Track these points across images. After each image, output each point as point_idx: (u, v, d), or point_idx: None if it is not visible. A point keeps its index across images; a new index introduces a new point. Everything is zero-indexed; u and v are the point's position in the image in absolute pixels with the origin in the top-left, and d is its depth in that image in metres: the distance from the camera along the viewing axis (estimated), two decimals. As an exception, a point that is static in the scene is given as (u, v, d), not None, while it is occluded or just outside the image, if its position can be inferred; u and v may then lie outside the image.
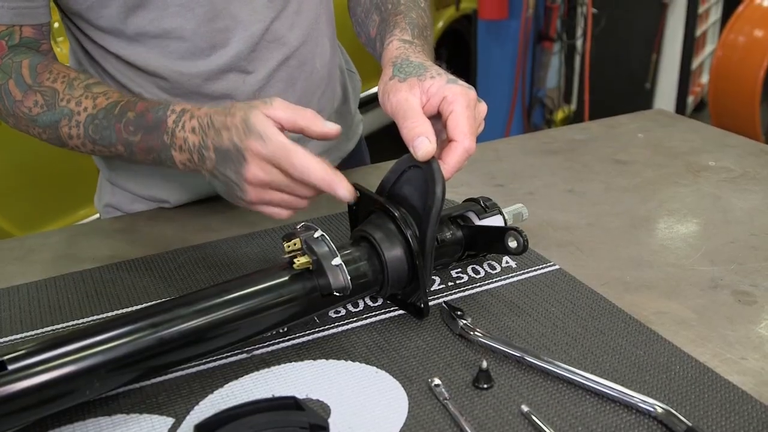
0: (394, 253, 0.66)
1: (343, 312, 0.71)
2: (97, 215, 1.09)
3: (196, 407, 0.58)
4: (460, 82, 0.69)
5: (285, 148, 0.64)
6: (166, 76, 0.88)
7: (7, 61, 0.79)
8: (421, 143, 0.64)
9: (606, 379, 0.58)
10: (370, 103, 3.37)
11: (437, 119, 0.68)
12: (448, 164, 0.66)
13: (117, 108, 0.75)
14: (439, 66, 0.73)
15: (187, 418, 0.57)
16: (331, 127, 0.67)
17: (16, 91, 0.79)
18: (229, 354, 0.64)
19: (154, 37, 0.85)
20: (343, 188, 0.65)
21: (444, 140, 0.68)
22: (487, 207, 0.76)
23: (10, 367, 0.51)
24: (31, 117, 0.79)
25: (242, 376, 0.62)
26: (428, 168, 0.64)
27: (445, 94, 0.67)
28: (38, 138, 0.82)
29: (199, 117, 0.70)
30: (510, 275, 0.77)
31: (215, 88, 0.88)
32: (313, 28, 0.95)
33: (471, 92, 0.68)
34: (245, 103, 0.68)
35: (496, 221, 0.76)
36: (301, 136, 0.68)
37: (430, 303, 0.70)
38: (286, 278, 0.63)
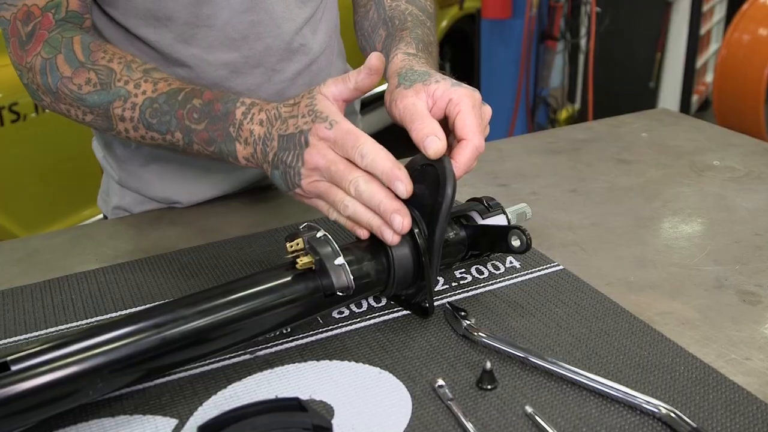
0: (401, 251, 0.66)
1: (346, 312, 0.71)
2: (101, 216, 1.09)
3: (199, 408, 0.58)
4: (464, 85, 0.69)
5: (352, 133, 0.64)
6: (190, 65, 0.88)
7: (56, 36, 0.77)
8: (432, 141, 0.64)
9: (610, 379, 0.58)
10: (371, 104, 3.38)
11: (444, 124, 0.68)
12: (459, 162, 0.66)
13: (181, 94, 0.74)
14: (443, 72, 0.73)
15: (191, 419, 0.57)
16: (373, 62, 0.66)
17: (65, 67, 0.76)
18: (232, 355, 0.64)
19: (184, 24, 0.85)
20: (402, 185, 0.63)
21: (452, 142, 0.68)
22: (490, 206, 0.76)
23: (14, 368, 0.51)
24: (78, 95, 0.76)
25: (245, 377, 0.62)
26: (440, 165, 0.64)
27: (451, 96, 0.67)
28: (76, 120, 0.79)
29: (267, 110, 0.70)
30: (514, 275, 0.77)
31: (240, 82, 0.88)
32: (331, 37, 1.01)
33: (476, 94, 0.69)
34: (307, 91, 0.69)
35: (499, 221, 0.76)
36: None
37: (434, 303, 0.70)
38: (289, 278, 0.63)
